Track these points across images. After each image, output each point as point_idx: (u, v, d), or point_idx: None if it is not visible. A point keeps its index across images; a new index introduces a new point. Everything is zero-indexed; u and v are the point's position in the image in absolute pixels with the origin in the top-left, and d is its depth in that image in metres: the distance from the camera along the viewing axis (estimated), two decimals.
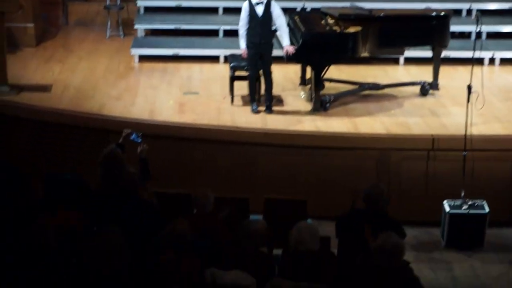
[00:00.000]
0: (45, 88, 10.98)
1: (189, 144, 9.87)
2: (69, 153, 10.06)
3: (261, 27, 10.16)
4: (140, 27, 12.98)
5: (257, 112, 10.37)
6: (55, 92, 10.91)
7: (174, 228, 6.44)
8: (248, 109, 10.48)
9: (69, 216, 6.72)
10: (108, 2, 13.58)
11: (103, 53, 12.61)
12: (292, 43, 10.45)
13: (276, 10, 10.23)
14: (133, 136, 7.85)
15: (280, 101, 10.80)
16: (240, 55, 10.73)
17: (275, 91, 10.73)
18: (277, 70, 10.72)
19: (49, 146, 10.18)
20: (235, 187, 9.59)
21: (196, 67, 12.10)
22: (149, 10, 13.39)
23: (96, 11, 14.04)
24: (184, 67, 12.07)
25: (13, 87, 10.78)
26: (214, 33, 12.89)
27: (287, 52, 10.32)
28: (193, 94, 11.01)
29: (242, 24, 10.25)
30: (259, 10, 10.17)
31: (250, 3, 10.21)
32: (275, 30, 10.43)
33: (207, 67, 12.11)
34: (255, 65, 10.32)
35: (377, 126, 10.02)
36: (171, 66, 12.09)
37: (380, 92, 11.06)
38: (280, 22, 10.26)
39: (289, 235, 6.52)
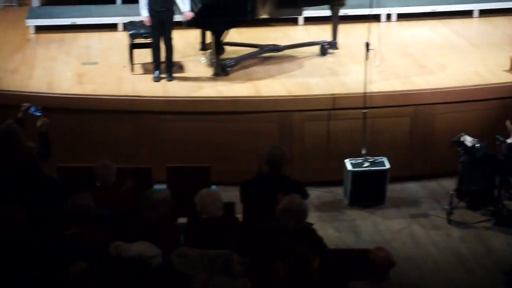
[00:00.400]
0: None
1: (90, 116, 9.79)
2: None
3: None
4: None
5: (159, 79, 10.35)
6: None
7: (77, 202, 6.43)
8: (149, 77, 10.42)
9: None
10: None
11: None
12: (191, 9, 10.41)
13: None
14: (32, 110, 7.76)
15: (181, 67, 10.77)
16: (139, 22, 10.68)
17: (176, 57, 10.68)
18: (177, 36, 10.64)
19: None
20: (138, 157, 9.58)
21: (94, 36, 11.95)
22: None
23: None
24: (82, 36, 11.91)
25: None
26: (112, 0, 12.73)
27: (186, 17, 10.30)
28: (92, 64, 10.89)
29: None
30: None
31: None
32: None
33: (105, 35, 11.98)
34: (157, 32, 10.28)
35: (278, 88, 10.09)
36: (68, 36, 11.91)
37: (280, 54, 11.13)
38: None
39: (192, 203, 6.59)
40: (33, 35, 12.00)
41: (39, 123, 7.67)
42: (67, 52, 11.32)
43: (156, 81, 10.34)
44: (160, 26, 10.24)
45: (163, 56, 10.42)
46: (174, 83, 10.29)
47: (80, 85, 10.19)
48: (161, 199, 6.65)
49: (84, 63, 10.91)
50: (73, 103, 9.81)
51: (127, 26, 11.00)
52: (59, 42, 11.68)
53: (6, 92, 9.90)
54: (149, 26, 10.29)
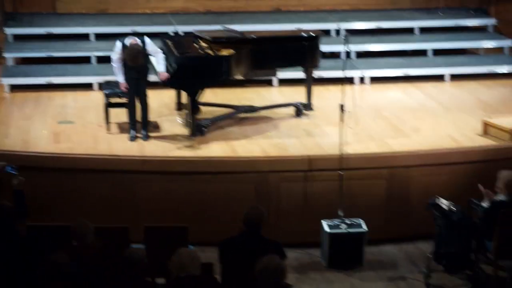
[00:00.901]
0: None
1: (66, 175, 9.76)
2: None
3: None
4: (10, 56, 12.79)
5: (135, 139, 10.38)
6: None
7: (53, 261, 6.39)
8: (125, 136, 10.45)
9: None
10: None
11: None
12: (167, 69, 10.50)
13: (152, 48, 10.36)
14: (7, 168, 7.73)
15: (156, 127, 10.82)
16: (114, 82, 10.72)
17: (152, 117, 10.75)
18: (152, 96, 10.72)
19: None
20: (116, 216, 9.53)
21: (70, 95, 12.00)
22: (18, 38, 13.20)
23: None
24: (58, 95, 11.96)
25: None
26: (86, 60, 12.82)
27: (161, 78, 10.37)
28: (68, 123, 10.92)
29: (115, 60, 10.28)
30: None
31: (123, 44, 10.22)
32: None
33: (81, 94, 12.04)
34: (133, 91, 10.33)
35: (254, 148, 10.16)
36: (44, 95, 11.95)
37: (255, 114, 11.24)
38: (158, 56, 10.36)
39: (170, 262, 6.57)
40: (8, 93, 12.01)
41: (15, 181, 7.65)
42: (42, 111, 11.35)
43: (132, 140, 10.36)
44: (136, 85, 10.30)
45: (138, 115, 10.47)
46: (150, 142, 10.32)
47: (56, 143, 10.19)
48: (137, 258, 6.63)
49: (60, 122, 10.93)
50: (49, 161, 9.79)
51: (102, 86, 11.07)
52: (35, 101, 11.72)
53: None
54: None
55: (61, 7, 14.20)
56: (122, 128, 10.69)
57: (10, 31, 13.18)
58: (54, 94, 11.98)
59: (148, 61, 10.44)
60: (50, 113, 11.26)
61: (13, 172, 7.71)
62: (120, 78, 10.28)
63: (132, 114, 10.44)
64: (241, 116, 11.20)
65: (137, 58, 10.07)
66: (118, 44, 10.27)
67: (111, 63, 10.37)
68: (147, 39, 10.36)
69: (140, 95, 10.37)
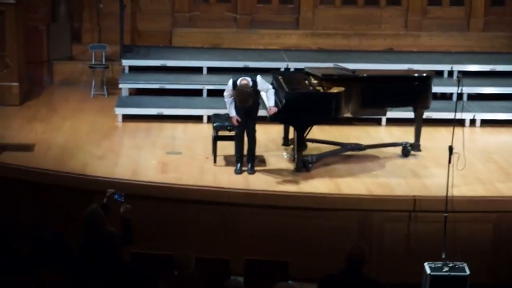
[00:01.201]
0: (28, 148, 11.05)
1: (172, 204, 9.91)
2: (53, 212, 10.07)
3: None
4: (125, 86, 13.11)
5: (240, 172, 10.47)
6: (39, 151, 10.98)
7: None
8: (231, 169, 10.55)
9: (49, 277, 6.74)
10: (93, 62, 13.73)
11: (87, 113, 12.70)
12: (276, 103, 10.58)
13: (264, 86, 10.42)
14: (116, 196, 7.92)
15: (262, 161, 10.89)
16: (223, 115, 10.87)
17: (258, 151, 10.82)
18: (260, 131, 10.80)
19: (33, 205, 10.20)
20: (217, 247, 9.61)
21: (179, 126, 12.21)
22: (133, 69, 13.54)
23: (81, 70, 14.10)
24: (168, 126, 12.18)
25: None
26: (198, 92, 13.03)
27: (270, 112, 10.45)
28: (176, 154, 11.08)
29: (226, 96, 10.40)
30: None
31: (234, 83, 10.33)
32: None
33: (190, 126, 12.23)
34: (242, 125, 10.46)
35: (359, 186, 10.12)
36: (155, 125, 12.20)
37: (362, 152, 11.17)
38: (269, 92, 10.45)
39: None
40: (121, 123, 12.31)
41: (122, 209, 7.81)
42: (152, 141, 11.57)
43: (237, 173, 10.46)
44: (245, 118, 10.41)
45: (245, 149, 10.57)
46: (255, 176, 10.40)
47: (163, 174, 10.37)
48: None
49: (169, 153, 11.11)
50: (156, 191, 9.97)
51: (211, 118, 11.21)
52: (145, 131, 11.97)
53: (92, 178, 10.13)
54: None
55: (176, 41, 14.55)
56: (228, 161, 10.80)
57: (126, 62, 13.54)
58: (165, 125, 12.22)
59: (258, 99, 10.52)
60: (159, 144, 11.48)
61: (121, 200, 7.88)
62: (232, 112, 10.41)
63: (239, 147, 10.55)
64: (347, 154, 11.16)
65: (245, 100, 10.16)
66: (230, 83, 10.40)
67: (225, 98, 10.50)
68: (259, 79, 10.42)
69: (249, 130, 10.47)
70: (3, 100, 12.66)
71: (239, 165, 10.54)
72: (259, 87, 10.40)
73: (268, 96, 10.50)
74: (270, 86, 10.55)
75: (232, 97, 10.34)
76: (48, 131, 11.82)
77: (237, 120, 10.42)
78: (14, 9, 12.81)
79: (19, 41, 12.94)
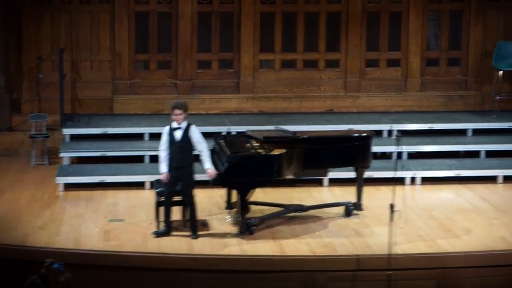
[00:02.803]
0: None
1: (115, 272, 9.82)
2: None
3: (181, 152, 10.38)
4: (66, 155, 13.05)
5: (158, 236, 10.42)
6: None
7: None
8: (174, 234, 10.51)
9: None
10: (33, 131, 13.65)
11: (28, 183, 12.61)
12: (217, 167, 10.64)
13: (196, 135, 10.47)
14: (55, 265, 7.80)
15: (205, 225, 10.89)
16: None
17: (201, 215, 10.84)
18: (202, 194, 10.82)
19: None
20: None
21: (122, 193, 12.19)
22: (75, 137, 13.50)
23: (21, 140, 14.04)
24: (110, 194, 12.15)
25: None
26: (140, 159, 13.04)
27: (209, 174, 10.46)
28: (118, 221, 11.04)
29: (163, 149, 10.47)
30: (178, 135, 10.41)
31: (170, 128, 10.44)
32: (198, 155, 10.61)
33: (133, 193, 12.22)
34: (171, 188, 10.47)
35: (302, 248, 10.14)
36: (97, 193, 12.15)
37: (305, 213, 11.22)
38: (201, 147, 10.48)
39: None
40: (62, 192, 12.23)
41: (62, 278, 7.71)
42: (94, 209, 11.51)
43: (155, 236, 10.41)
44: (175, 183, 10.42)
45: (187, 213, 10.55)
46: (199, 240, 10.36)
47: (106, 241, 10.30)
48: None
49: (111, 220, 11.07)
50: (98, 259, 9.87)
51: (154, 184, 11.18)
52: (87, 200, 11.92)
53: (33, 249, 9.99)
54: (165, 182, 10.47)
55: (118, 108, 14.57)
56: (172, 226, 10.74)
57: (67, 131, 13.49)
58: (107, 193, 12.19)
59: (192, 158, 10.52)
60: (101, 211, 11.42)
61: (60, 268, 7.78)
62: (163, 167, 10.41)
63: (167, 211, 10.53)
64: (290, 215, 11.20)
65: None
66: (166, 129, 10.47)
67: (160, 149, 10.49)
68: (194, 127, 10.52)
69: (185, 195, 10.49)
70: None
71: (163, 229, 10.48)
72: (191, 134, 10.43)
73: (202, 156, 10.50)
74: (201, 138, 10.54)
75: (166, 153, 10.32)
76: None
77: (167, 178, 10.39)
78: None
79: None
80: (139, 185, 12.41)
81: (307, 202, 11.55)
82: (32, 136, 13.61)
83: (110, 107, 14.59)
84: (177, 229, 10.66)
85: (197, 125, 13.28)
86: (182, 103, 10.60)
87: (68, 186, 12.32)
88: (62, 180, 12.35)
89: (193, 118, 13.97)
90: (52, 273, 7.83)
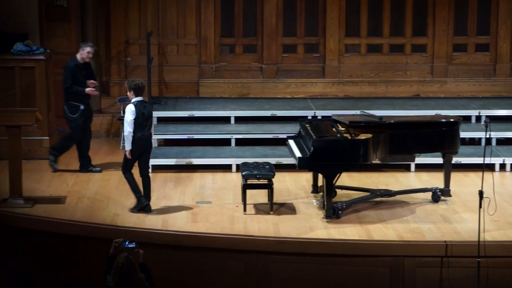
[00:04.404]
0: (59, 200, 11.15)
1: (201, 254, 9.92)
2: (83, 263, 10.10)
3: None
4: (153, 138, 13.15)
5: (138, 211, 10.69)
6: (69, 203, 11.06)
7: None
8: (261, 217, 10.56)
9: None
10: (121, 114, 13.82)
11: (117, 164, 12.60)
12: (303, 151, 10.65)
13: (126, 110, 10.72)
14: (126, 244, 7.75)
15: (292, 209, 10.89)
16: (252, 163, 10.98)
17: (287, 199, 10.90)
18: (288, 178, 10.79)
19: (64, 257, 10.25)
20: None
21: (209, 176, 12.27)
22: (162, 120, 13.64)
23: (110, 123, 14.31)
24: (197, 176, 12.25)
25: (28, 199, 10.94)
26: (226, 142, 13.10)
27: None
28: (206, 203, 11.14)
29: (130, 123, 10.60)
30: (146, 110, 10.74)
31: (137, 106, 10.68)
32: None
33: (219, 176, 12.29)
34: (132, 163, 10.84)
35: (389, 232, 10.06)
36: (184, 175, 12.26)
37: (392, 198, 11.14)
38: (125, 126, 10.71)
39: None
40: (151, 174, 12.22)
41: (135, 255, 7.73)
42: (182, 191, 11.62)
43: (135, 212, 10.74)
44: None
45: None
46: (286, 223, 10.36)
47: (193, 223, 10.40)
48: None
49: (198, 202, 11.16)
50: (186, 240, 9.98)
51: (240, 167, 11.22)
52: (175, 181, 12.03)
53: (122, 228, 10.16)
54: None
55: (203, 91, 14.67)
56: (258, 209, 10.82)
57: (154, 113, 13.56)
58: (194, 175, 12.30)
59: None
60: (189, 193, 11.53)
61: (133, 246, 7.70)
62: (129, 145, 10.60)
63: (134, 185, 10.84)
64: (377, 200, 11.11)
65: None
66: (131, 106, 10.62)
67: (127, 126, 10.60)
68: (127, 107, 10.69)
69: (143, 170, 10.84)
70: (34, 154, 12.78)
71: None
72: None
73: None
74: (124, 120, 10.63)
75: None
76: (79, 183, 11.92)
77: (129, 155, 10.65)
78: (43, 64, 13.03)
79: (48, 95, 13.11)
80: (226, 167, 12.48)
81: (394, 187, 11.44)
82: (120, 118, 13.77)
83: (196, 90, 14.69)
84: (263, 212, 10.70)
85: (282, 109, 13.59)
86: (126, 82, 10.89)
87: (156, 168, 12.46)
88: (150, 161, 12.37)
89: (279, 102, 14.20)
90: (127, 252, 7.79)
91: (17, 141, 10.84)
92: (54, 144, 12.54)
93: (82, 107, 12.09)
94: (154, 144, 13.14)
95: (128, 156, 10.67)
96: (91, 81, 12.25)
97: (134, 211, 10.76)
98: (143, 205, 10.76)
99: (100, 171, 12.29)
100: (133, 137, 10.57)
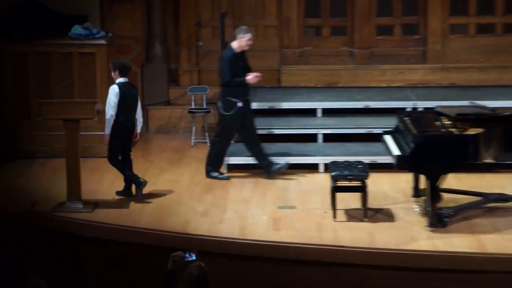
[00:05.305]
0: (122, 204, 11.18)
1: (285, 266, 9.83)
2: (150, 275, 10.06)
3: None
4: None
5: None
6: (134, 208, 11.10)
7: None
8: (353, 225, 10.43)
9: None
10: (193, 106, 13.81)
11: (187, 163, 12.84)
12: (402, 148, 10.50)
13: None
14: (186, 256, 7.68)
15: (390, 215, 10.73)
16: (343, 163, 10.84)
17: (385, 203, 10.79)
18: (385, 179, 10.65)
19: (127, 268, 10.29)
20: None
21: (292, 177, 12.20)
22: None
23: (180, 116, 14.34)
24: (278, 177, 12.17)
25: (87, 203, 10.98)
26: (312, 138, 12.98)
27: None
28: (289, 208, 11.06)
29: (114, 107, 11.01)
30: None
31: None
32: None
33: (305, 176, 12.21)
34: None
35: (507, 244, 9.78)
36: (263, 176, 12.18)
37: (508, 204, 10.86)
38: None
39: None
40: (226, 174, 12.34)
41: (196, 267, 7.61)
42: (261, 194, 11.58)
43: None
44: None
45: None
46: (383, 232, 10.19)
47: (275, 231, 10.32)
48: None
49: (281, 207, 11.09)
50: (268, 251, 9.90)
51: (329, 167, 11.05)
52: (253, 183, 12.01)
53: (195, 237, 10.13)
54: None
55: (286, 80, 14.65)
56: (350, 215, 10.70)
57: None
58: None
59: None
60: (270, 197, 11.47)
61: (194, 258, 7.63)
62: (108, 129, 10.97)
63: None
64: (490, 205, 10.86)
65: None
66: (115, 87, 11.02)
67: (109, 109, 10.96)
68: (110, 88, 11.05)
69: (126, 153, 11.35)
70: (95, 151, 12.81)
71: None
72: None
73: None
74: (112, 101, 10.96)
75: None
76: None
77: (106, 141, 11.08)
78: (105, 50, 13.15)
79: (111, 84, 13.09)
80: (312, 167, 12.39)
81: (511, 191, 11.12)
82: (191, 110, 13.81)
83: (278, 78, 14.65)
84: (356, 219, 10.58)
85: (377, 100, 13.43)
86: (110, 61, 11.34)
87: (232, 167, 12.44)
88: (225, 160, 12.41)
89: (373, 91, 14.09)
90: (180, 269, 7.66)
91: (75, 137, 10.86)
92: (207, 160, 12.27)
93: (240, 104, 11.97)
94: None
95: (106, 141, 11.03)
96: (256, 73, 12.04)
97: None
98: (137, 183, 11.14)
99: (226, 178, 12.13)
100: (115, 121, 10.98)
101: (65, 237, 10.47)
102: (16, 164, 12.75)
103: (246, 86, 12.01)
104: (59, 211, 10.82)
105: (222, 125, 12.19)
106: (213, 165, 12.12)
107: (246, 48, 12.13)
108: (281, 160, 12.17)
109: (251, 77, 11.96)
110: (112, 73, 11.12)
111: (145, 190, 11.60)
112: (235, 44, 12.09)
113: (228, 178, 12.05)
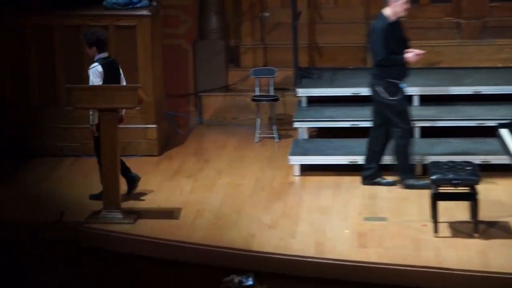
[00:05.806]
0: (171, 214, 11.29)
1: None
2: None
3: None
4: (302, 126, 13.24)
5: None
6: (185, 218, 11.20)
7: None
8: (460, 241, 10.41)
9: None
10: (257, 92, 13.86)
11: (251, 163, 12.96)
12: None
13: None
14: (242, 281, 7.77)
15: (507, 230, 10.69)
16: (445, 163, 10.85)
17: (501, 215, 10.81)
18: (502, 186, 10.58)
19: None
20: None
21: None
22: (314, 101, 13.68)
23: (241, 105, 14.48)
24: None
25: (128, 212, 11.11)
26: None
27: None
28: (378, 220, 11.11)
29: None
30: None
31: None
32: None
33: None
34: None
35: None
36: (346, 179, 12.26)
37: None
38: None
39: None
40: (298, 177, 12.41)
41: None
42: (343, 202, 11.63)
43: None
44: None
45: None
46: (498, 252, 10.12)
47: (360, 248, 10.35)
48: None
49: (367, 218, 11.13)
50: (350, 272, 9.93)
51: (428, 169, 11.02)
52: (333, 188, 12.06)
53: (262, 255, 10.20)
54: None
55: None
56: (456, 230, 10.66)
57: (303, 92, 13.68)
58: (360, 179, 12.20)
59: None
60: (353, 205, 11.52)
61: (251, 284, 7.74)
62: (96, 118, 11.08)
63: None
64: None
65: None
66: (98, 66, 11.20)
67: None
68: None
69: None
70: (137, 149, 12.96)
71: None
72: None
73: None
74: (96, 83, 11.17)
75: None
76: (198, 190, 12.06)
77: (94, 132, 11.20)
78: (148, 22, 13.24)
79: (156, 66, 13.24)
80: None
81: None
82: (255, 98, 13.84)
83: (363, 58, 14.66)
84: (464, 234, 10.55)
85: (490, 85, 13.36)
86: (83, 35, 11.48)
87: (306, 169, 12.51)
88: (297, 160, 12.51)
89: (485, 73, 14.03)
90: None
91: (113, 130, 10.97)
92: (397, 166, 12.18)
93: (403, 84, 11.92)
94: (303, 135, 13.11)
95: (94, 133, 11.16)
96: (417, 51, 11.94)
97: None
98: (134, 179, 11.51)
99: (392, 184, 12.13)
100: None
101: (100, 254, 10.60)
102: (41, 164, 12.95)
103: (405, 64, 11.90)
104: (93, 222, 10.96)
105: (391, 114, 11.89)
106: (407, 170, 11.97)
107: (402, 14, 11.94)
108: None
109: (411, 55, 11.85)
110: (88, 49, 11.29)
111: (198, 198, 11.73)
112: (388, 11, 11.94)
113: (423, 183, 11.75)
